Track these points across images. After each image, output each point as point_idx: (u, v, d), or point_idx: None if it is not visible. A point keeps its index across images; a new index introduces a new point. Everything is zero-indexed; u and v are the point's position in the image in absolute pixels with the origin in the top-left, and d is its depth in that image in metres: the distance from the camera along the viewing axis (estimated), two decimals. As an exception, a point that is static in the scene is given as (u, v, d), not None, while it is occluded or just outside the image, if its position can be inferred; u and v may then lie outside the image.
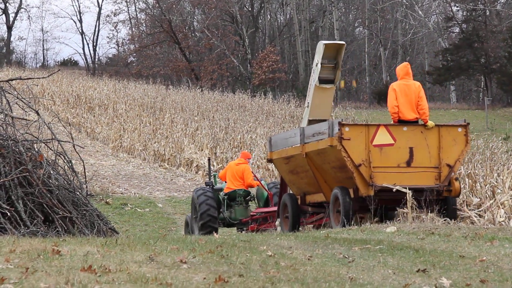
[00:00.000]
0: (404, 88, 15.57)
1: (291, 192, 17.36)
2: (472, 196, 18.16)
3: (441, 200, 15.03)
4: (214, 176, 20.77)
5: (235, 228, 19.84)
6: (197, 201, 18.92)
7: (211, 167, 25.95)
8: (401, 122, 15.32)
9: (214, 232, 16.55)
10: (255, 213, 19.00)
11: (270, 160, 17.41)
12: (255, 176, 19.97)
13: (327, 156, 15.10)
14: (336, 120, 14.84)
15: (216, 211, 18.82)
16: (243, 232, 19.08)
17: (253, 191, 19.83)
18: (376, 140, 14.72)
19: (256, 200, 19.78)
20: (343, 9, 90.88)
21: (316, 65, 17.21)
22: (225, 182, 19.88)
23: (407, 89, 15.57)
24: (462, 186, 18.17)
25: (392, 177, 14.68)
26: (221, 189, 19.65)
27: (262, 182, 19.80)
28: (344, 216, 14.56)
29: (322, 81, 17.17)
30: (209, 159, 22.65)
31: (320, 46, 17.15)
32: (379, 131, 14.75)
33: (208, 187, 19.60)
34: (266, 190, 19.28)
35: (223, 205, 19.58)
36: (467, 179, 19.53)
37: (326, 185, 15.62)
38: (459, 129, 15.12)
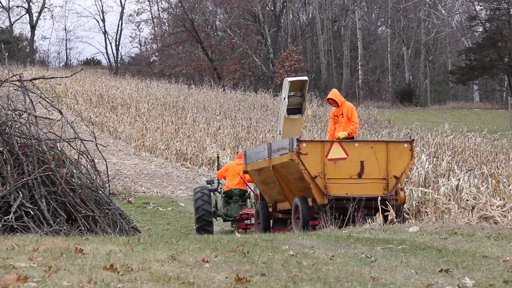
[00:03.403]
0: None
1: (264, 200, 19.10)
2: (496, 196, 18.06)
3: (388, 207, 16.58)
4: None
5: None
6: (195, 204, 20.16)
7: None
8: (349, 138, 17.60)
9: (236, 232, 17.16)
10: (243, 213, 20.50)
11: (246, 172, 19.04)
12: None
13: (289, 168, 16.69)
14: (295, 137, 16.44)
15: (211, 215, 20.03)
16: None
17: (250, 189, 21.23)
18: (330, 155, 16.36)
19: (251, 198, 21.16)
20: (366, 8, 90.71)
21: (284, 99, 19.13)
22: (223, 179, 21.42)
23: None
24: (485, 186, 18.26)
25: (345, 187, 16.32)
26: (215, 189, 21.07)
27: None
28: (302, 222, 16.11)
29: (290, 112, 19.16)
30: (218, 156, 24.75)
31: (286, 83, 19.09)
32: (333, 147, 16.40)
33: (209, 185, 21.12)
34: (254, 193, 20.30)
35: (221, 202, 21.05)
36: (490, 179, 19.44)
37: (291, 194, 17.23)
38: (405, 145, 16.68)
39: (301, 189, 16.72)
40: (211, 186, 21.25)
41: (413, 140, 16.88)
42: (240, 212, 20.55)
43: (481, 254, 10.35)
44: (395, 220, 16.14)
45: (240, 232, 18.87)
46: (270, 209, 18.49)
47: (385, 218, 16.25)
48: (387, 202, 16.27)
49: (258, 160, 18.04)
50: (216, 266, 8.33)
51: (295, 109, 19.31)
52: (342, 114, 17.82)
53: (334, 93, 18.21)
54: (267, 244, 10.93)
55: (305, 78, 19.44)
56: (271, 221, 18.75)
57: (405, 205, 18.39)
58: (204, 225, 19.85)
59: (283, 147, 16.79)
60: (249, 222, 20.67)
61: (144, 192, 28.41)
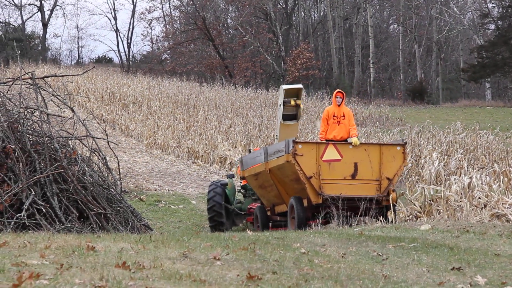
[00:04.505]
0: None
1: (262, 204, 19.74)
2: (508, 194, 18.02)
3: (381, 208, 17.11)
4: None
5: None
6: (207, 196, 21.16)
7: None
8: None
9: (248, 230, 17.33)
10: (251, 207, 21.16)
11: (243, 178, 19.77)
12: None
13: (285, 170, 17.24)
14: (291, 139, 17.00)
15: (221, 206, 20.79)
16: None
17: None
18: (325, 156, 16.90)
19: None
20: (378, 6, 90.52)
21: (280, 105, 19.85)
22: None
23: None
24: (497, 184, 18.24)
25: (339, 188, 16.83)
26: (226, 184, 21.81)
27: None
28: (298, 222, 16.64)
29: (286, 118, 19.91)
30: (249, 151, 24.52)
31: (281, 90, 19.91)
32: (328, 148, 16.94)
33: (227, 179, 21.88)
34: None
35: (237, 196, 21.93)
36: (502, 177, 19.39)
37: (288, 196, 17.73)
38: (398, 148, 17.22)
39: (297, 190, 17.16)
40: (231, 180, 21.93)
41: (405, 143, 17.40)
42: (248, 206, 21.18)
43: (493, 252, 10.32)
44: (382, 219, 16.65)
45: (250, 228, 19.06)
46: (269, 213, 19.01)
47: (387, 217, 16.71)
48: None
49: (254, 165, 18.51)
50: (228, 264, 8.33)
51: (290, 115, 19.98)
52: (343, 115, 18.26)
53: (343, 92, 18.65)
54: (279, 242, 10.93)
55: (300, 86, 20.26)
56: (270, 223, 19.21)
57: (416, 203, 18.60)
58: (214, 216, 20.64)
59: (279, 149, 17.31)
60: None
61: (155, 190, 28.44)
